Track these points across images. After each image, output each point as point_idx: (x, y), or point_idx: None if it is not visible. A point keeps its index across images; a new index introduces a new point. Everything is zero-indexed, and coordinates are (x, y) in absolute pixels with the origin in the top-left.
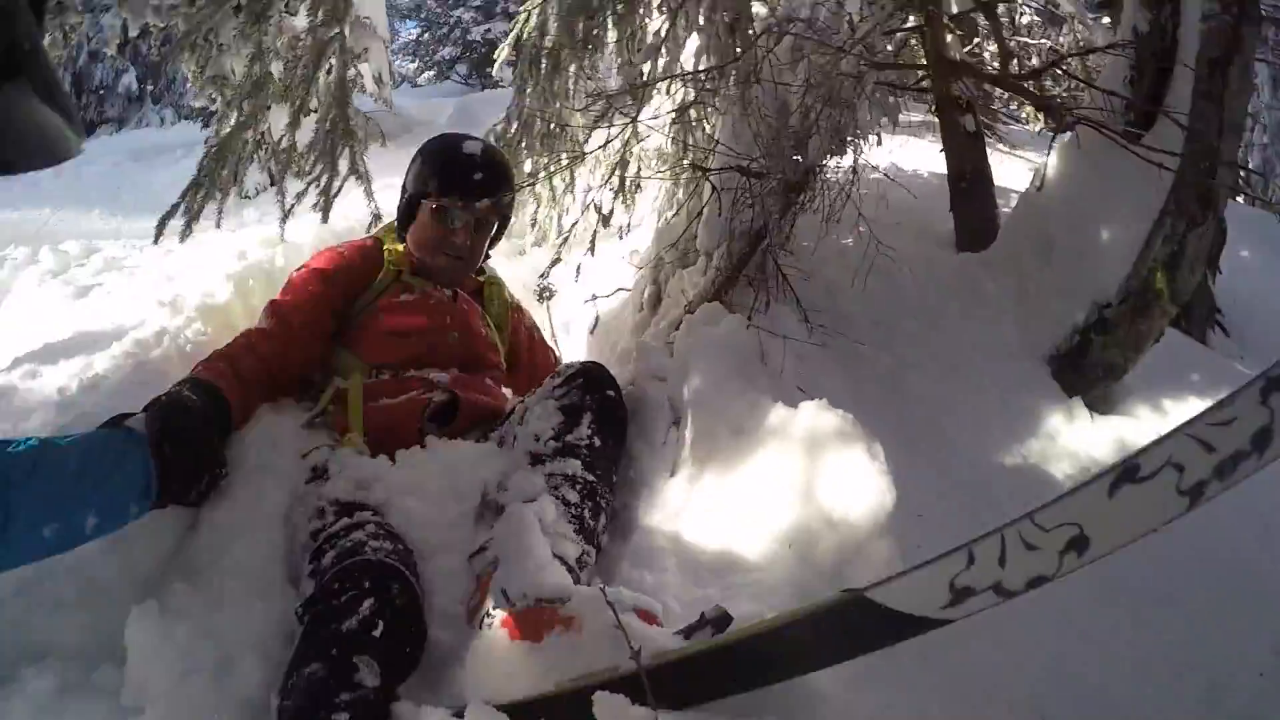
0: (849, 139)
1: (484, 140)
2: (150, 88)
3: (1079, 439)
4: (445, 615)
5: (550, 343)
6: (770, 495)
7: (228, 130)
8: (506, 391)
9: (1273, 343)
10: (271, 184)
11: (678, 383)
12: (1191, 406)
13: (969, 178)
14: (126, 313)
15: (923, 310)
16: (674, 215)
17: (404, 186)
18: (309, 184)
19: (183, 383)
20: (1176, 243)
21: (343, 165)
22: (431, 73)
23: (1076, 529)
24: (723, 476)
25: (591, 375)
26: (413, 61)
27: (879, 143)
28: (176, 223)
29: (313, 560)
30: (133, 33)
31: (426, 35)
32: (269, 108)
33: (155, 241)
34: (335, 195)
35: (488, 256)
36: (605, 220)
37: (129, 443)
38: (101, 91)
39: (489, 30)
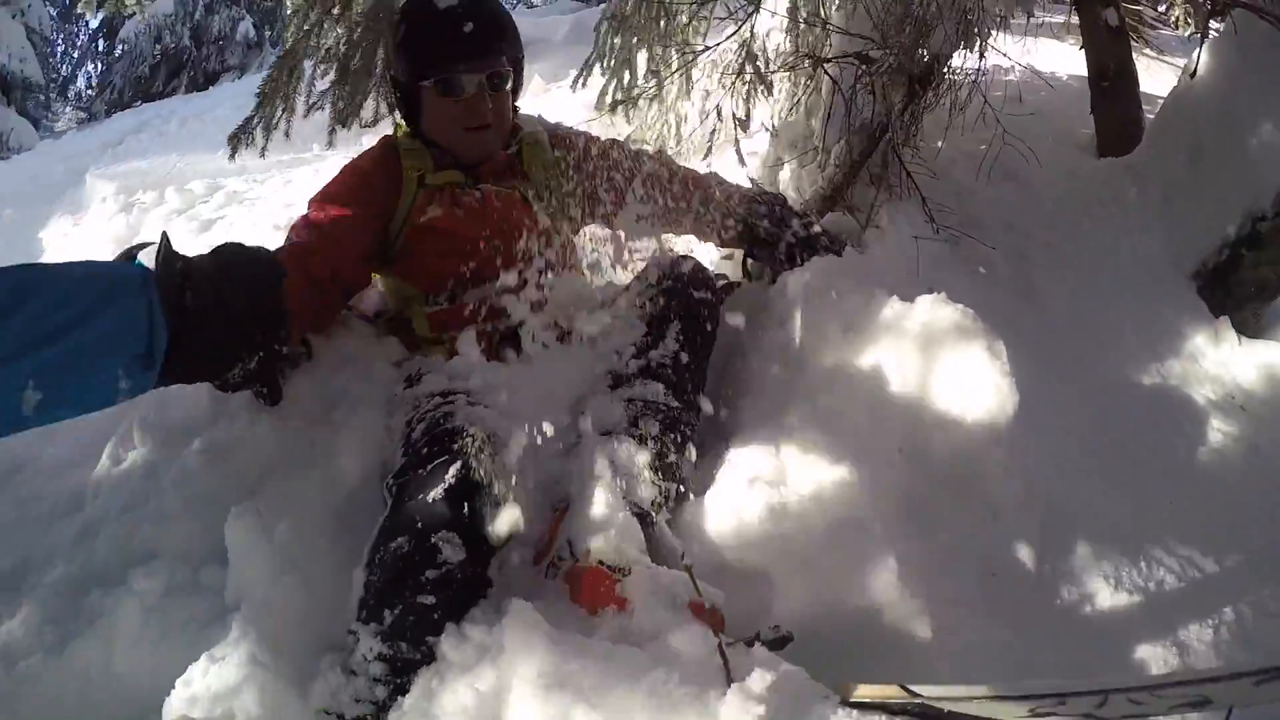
0: (977, 30)
1: None
2: (267, 32)
3: (1224, 363)
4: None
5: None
6: (881, 395)
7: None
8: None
9: None
10: (390, 112)
11: (786, 281)
12: None
13: (1111, 76)
14: (246, 240)
15: (1059, 217)
16: (791, 113)
17: (393, 80)
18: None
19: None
20: None
21: None
22: None
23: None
24: (830, 377)
25: (680, 276)
26: None
27: (1012, 37)
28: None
29: (404, 440)
30: None
31: None
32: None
33: (231, 158)
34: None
35: (516, 110)
36: (742, 124)
37: (127, 277)
38: (221, 41)
39: None
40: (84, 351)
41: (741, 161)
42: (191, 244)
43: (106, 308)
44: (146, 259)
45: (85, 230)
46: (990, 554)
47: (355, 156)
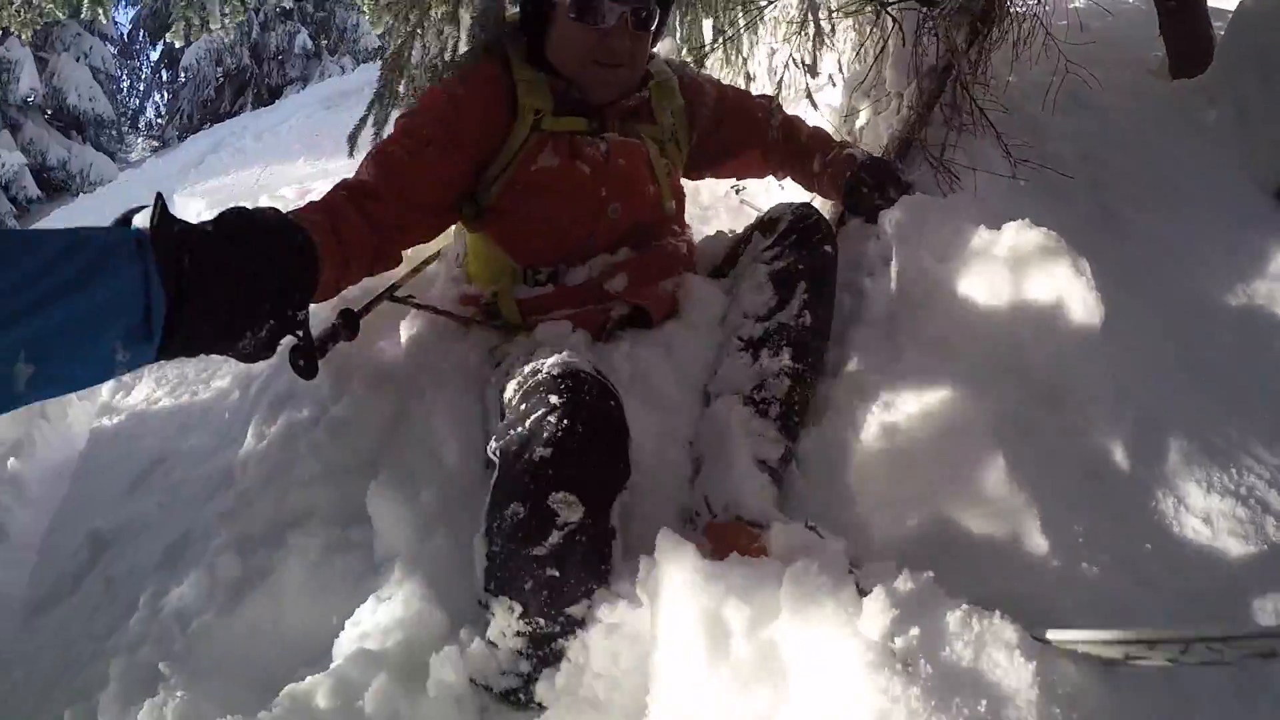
0: None
1: None
2: (325, 42)
3: None
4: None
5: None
6: (977, 316)
7: (399, 41)
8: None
9: None
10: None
11: (882, 220)
12: None
13: None
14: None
15: (1135, 143)
16: (857, 60)
17: None
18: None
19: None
20: None
21: None
22: None
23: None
24: (930, 304)
25: (804, 229)
26: None
27: None
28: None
29: (500, 402)
30: None
31: None
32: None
33: (350, 155)
34: None
35: (652, 56)
36: (811, 72)
37: (118, 245)
38: (280, 56)
39: None
40: (76, 322)
41: (814, 106)
42: None
43: (98, 274)
44: (141, 222)
45: None
46: (1088, 458)
47: (455, 73)
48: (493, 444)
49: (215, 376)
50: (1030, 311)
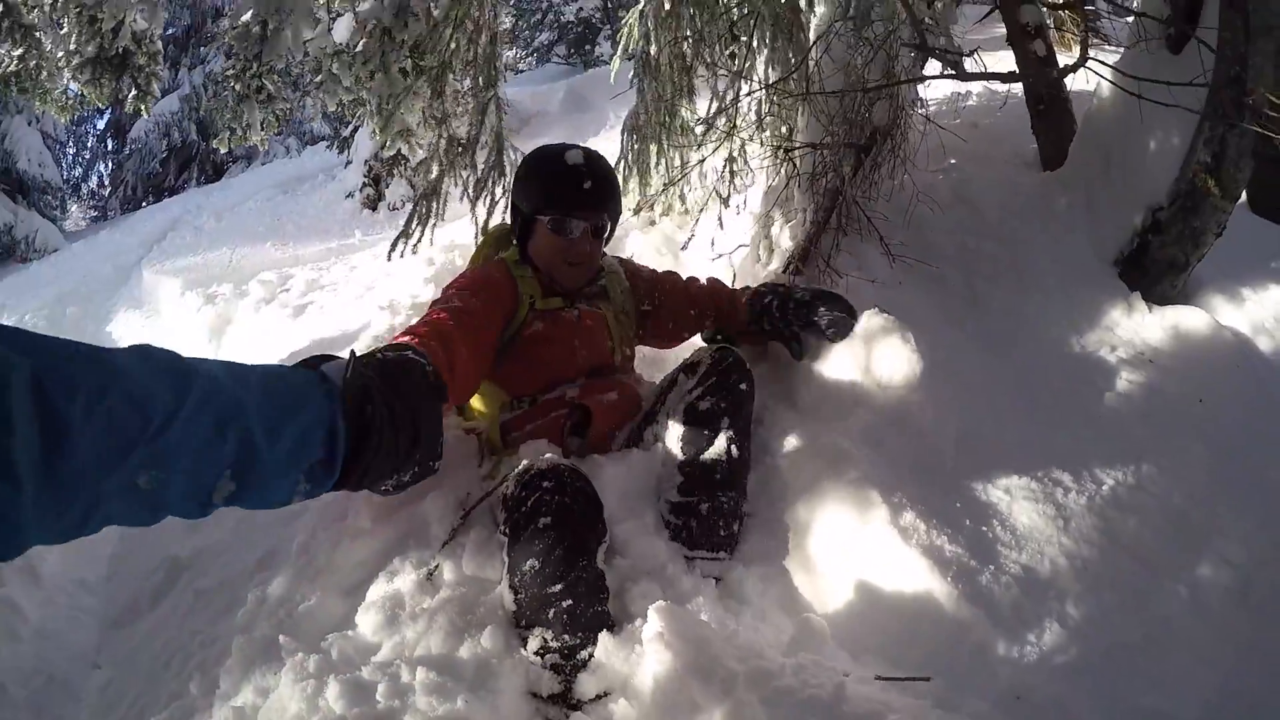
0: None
1: (582, 148)
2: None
3: (1135, 328)
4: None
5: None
6: (844, 374)
7: (434, 174)
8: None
9: None
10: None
11: None
12: (1267, 291)
13: (1045, 100)
14: (348, 319)
15: (1002, 230)
16: (776, 183)
17: (513, 206)
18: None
19: (389, 348)
20: (1217, 144)
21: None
22: (532, 59)
23: None
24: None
25: (722, 371)
26: (509, 49)
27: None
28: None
29: (503, 502)
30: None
31: (520, 22)
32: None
33: (389, 258)
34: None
35: (604, 254)
36: (725, 201)
37: (312, 387)
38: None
39: (580, 9)
40: (277, 458)
41: (721, 226)
42: (290, 328)
43: (296, 416)
44: (331, 371)
45: (166, 323)
46: (918, 459)
47: (477, 267)
48: (501, 524)
49: None
50: (878, 367)
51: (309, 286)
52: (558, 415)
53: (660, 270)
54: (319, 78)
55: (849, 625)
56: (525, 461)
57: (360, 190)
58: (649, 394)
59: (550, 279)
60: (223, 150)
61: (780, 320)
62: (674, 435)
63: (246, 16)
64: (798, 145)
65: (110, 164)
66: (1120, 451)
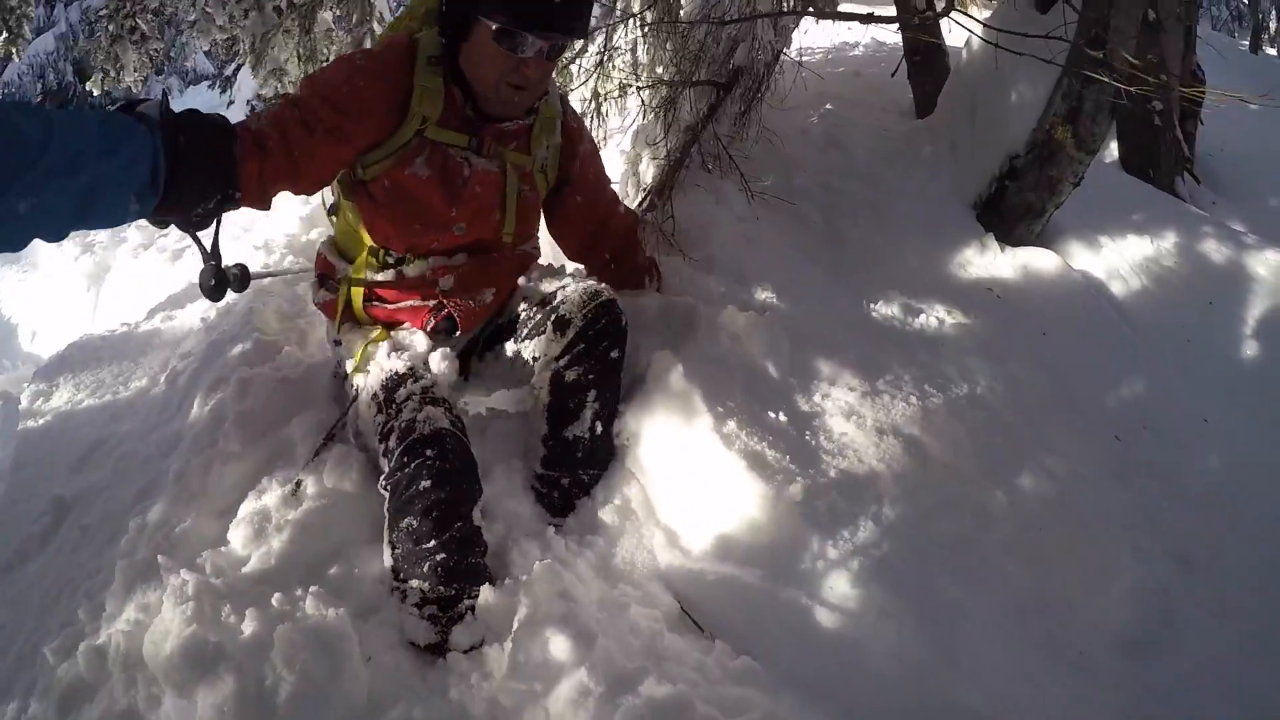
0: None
1: None
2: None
3: (987, 265)
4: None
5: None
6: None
7: None
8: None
9: (1253, 186)
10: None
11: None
12: (1125, 240)
13: (921, 51)
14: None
15: (869, 173)
16: (642, 118)
17: None
18: None
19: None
20: (1074, 99)
21: None
22: None
23: None
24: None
25: (593, 336)
26: None
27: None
28: None
29: (382, 442)
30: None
31: None
32: None
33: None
34: None
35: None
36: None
37: (137, 124)
38: (102, 76)
39: None
40: (110, 175)
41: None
42: (167, 273)
43: (123, 144)
44: (148, 110)
45: (45, 275)
46: (746, 377)
47: (370, 52)
48: (384, 481)
49: (133, 378)
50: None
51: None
52: (422, 308)
53: (594, 149)
54: (193, 17)
55: (682, 528)
56: (408, 418)
57: None
58: (526, 289)
59: (470, 101)
60: (96, 93)
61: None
62: (540, 403)
63: None
64: (648, 84)
65: None
66: (956, 374)
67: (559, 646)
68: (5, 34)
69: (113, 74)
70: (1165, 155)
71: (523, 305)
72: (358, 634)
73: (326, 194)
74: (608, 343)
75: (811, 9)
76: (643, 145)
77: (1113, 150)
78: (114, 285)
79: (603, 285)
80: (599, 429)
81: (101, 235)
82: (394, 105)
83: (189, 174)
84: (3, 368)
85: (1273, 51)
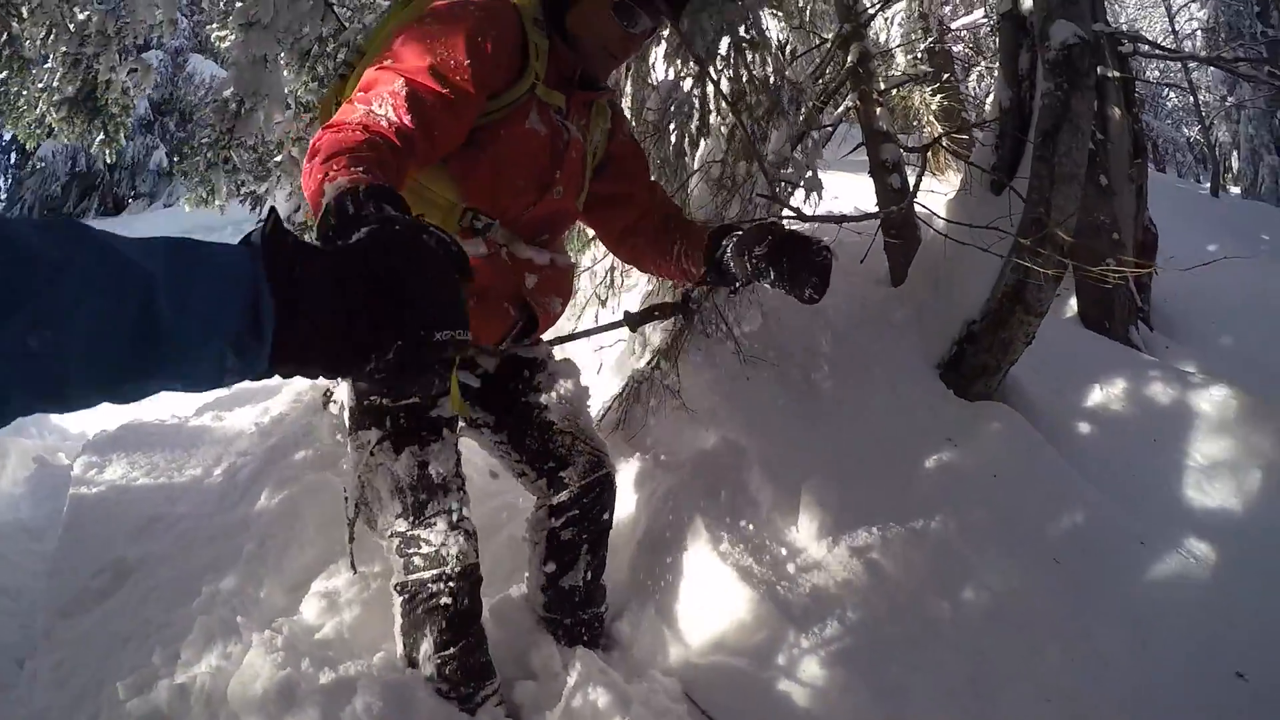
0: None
1: None
2: (178, 160)
3: (945, 417)
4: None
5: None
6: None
7: None
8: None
9: (1205, 327)
10: None
11: None
12: (1077, 389)
13: (896, 226)
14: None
15: (846, 336)
16: (653, 288)
17: None
18: None
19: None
20: (1022, 271)
21: None
22: None
23: None
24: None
25: (586, 504)
26: None
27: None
28: None
29: (396, 538)
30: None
31: None
32: None
33: None
34: None
35: None
36: (603, 303)
37: (228, 247)
38: (133, 168)
39: None
40: (188, 324)
41: (596, 321)
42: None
43: (206, 275)
44: (255, 236)
45: None
46: (734, 506)
47: (482, 13)
48: (397, 584)
49: (186, 466)
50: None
51: None
52: (506, 311)
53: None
54: (279, 158)
55: (685, 627)
56: (438, 545)
57: None
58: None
59: (570, 62)
60: (187, 209)
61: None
62: (536, 553)
63: (227, 93)
64: None
65: (9, 178)
66: (913, 509)
67: (605, 700)
68: (103, 135)
69: (205, 196)
70: (1119, 307)
71: (541, 373)
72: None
73: None
74: (600, 508)
75: (797, 213)
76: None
77: (1072, 305)
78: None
79: (606, 454)
80: (591, 577)
81: None
82: (515, 60)
83: (311, 322)
84: (29, 434)
85: (1236, 190)
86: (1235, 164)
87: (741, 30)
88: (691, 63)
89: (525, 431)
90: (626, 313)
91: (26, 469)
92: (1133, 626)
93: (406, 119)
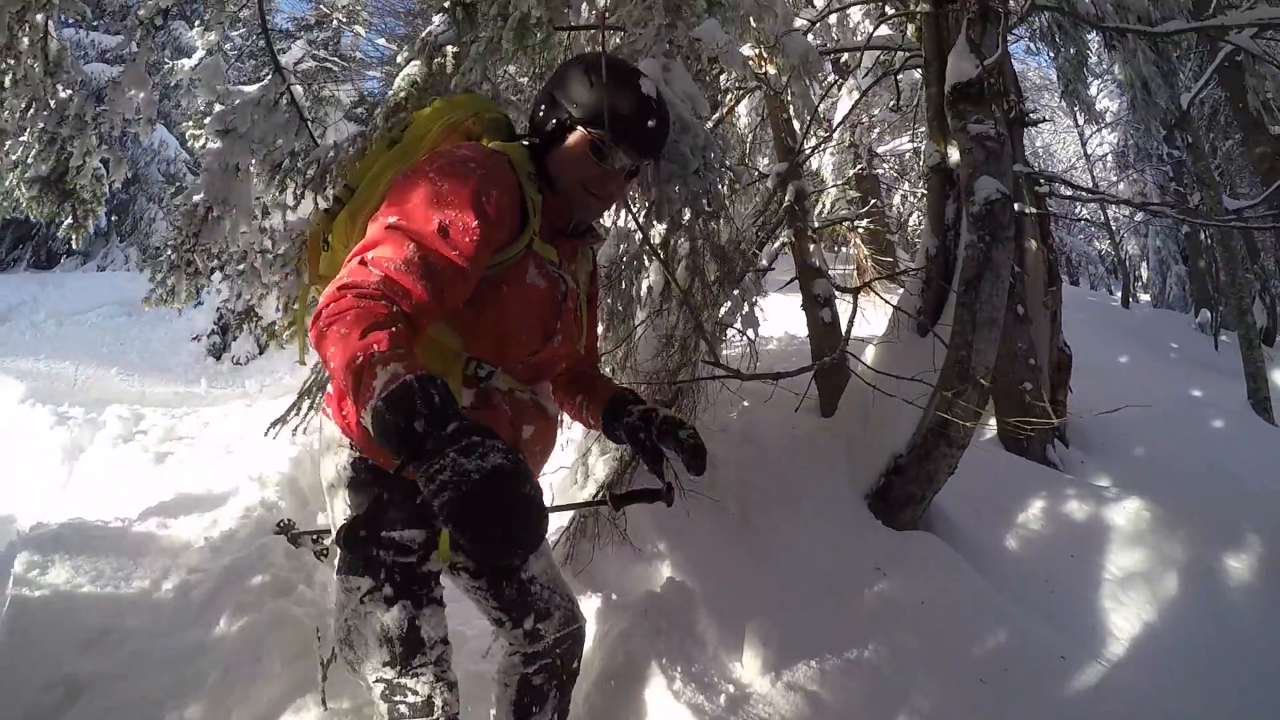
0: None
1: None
2: (120, 225)
3: (874, 546)
4: None
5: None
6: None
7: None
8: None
9: (1119, 440)
10: (260, 353)
11: None
12: (996, 511)
13: (826, 359)
14: (213, 479)
15: (776, 467)
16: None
17: (551, 98)
18: None
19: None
20: (945, 408)
21: None
22: None
23: None
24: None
25: (562, 656)
26: None
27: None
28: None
29: (381, 684)
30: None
31: None
32: None
33: (266, 434)
34: None
35: None
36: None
37: None
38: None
39: None
40: None
41: None
42: (152, 474)
43: None
44: None
45: (3, 424)
46: (682, 641)
47: (484, 171)
48: (381, 685)
49: (134, 576)
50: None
51: (166, 434)
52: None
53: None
54: (241, 266)
55: None
56: (425, 695)
57: (208, 336)
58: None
59: (564, 214)
60: (146, 308)
61: (643, 432)
62: (507, 695)
63: (197, 198)
64: None
65: None
66: (848, 639)
67: None
68: (71, 220)
69: (164, 295)
70: (1037, 432)
71: None
72: None
73: None
74: (571, 657)
75: (735, 373)
76: (593, 440)
77: (991, 426)
78: (89, 466)
79: (578, 607)
80: (556, 718)
81: (75, 410)
82: (515, 217)
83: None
84: None
85: (1146, 298)
86: (1145, 274)
87: (704, 203)
88: (642, 217)
89: (504, 582)
90: (611, 494)
91: None
92: None
93: (420, 287)
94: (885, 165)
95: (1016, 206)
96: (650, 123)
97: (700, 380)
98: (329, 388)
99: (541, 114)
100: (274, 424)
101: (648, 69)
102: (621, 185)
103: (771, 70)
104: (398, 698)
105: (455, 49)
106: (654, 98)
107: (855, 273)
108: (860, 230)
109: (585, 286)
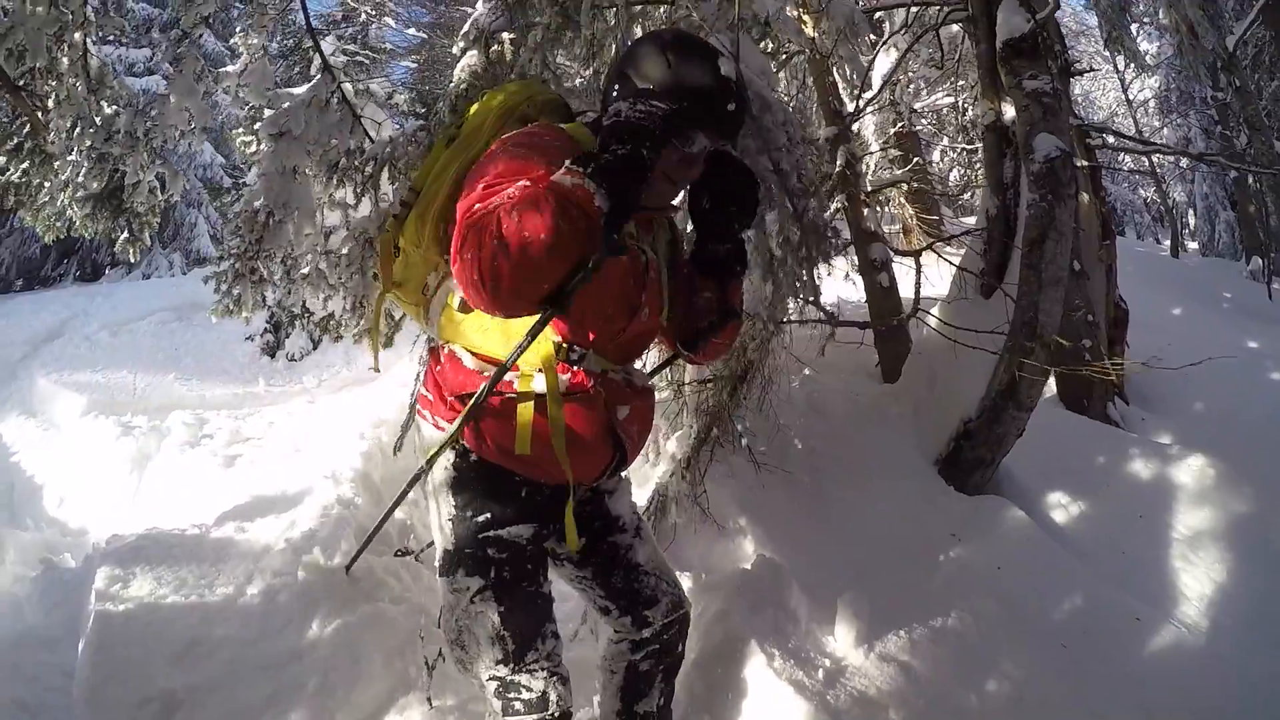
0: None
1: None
2: (161, 233)
3: (946, 511)
4: None
5: None
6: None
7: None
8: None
9: (1178, 396)
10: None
11: None
12: (1062, 472)
13: (888, 325)
14: (286, 479)
15: (845, 434)
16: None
17: (624, 76)
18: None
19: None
20: (1015, 370)
21: None
22: None
23: None
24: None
25: (670, 641)
26: None
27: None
28: None
29: (495, 681)
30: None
31: None
32: None
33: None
34: None
35: None
36: None
37: None
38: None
39: None
40: None
41: None
42: (223, 478)
43: None
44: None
45: (68, 440)
46: (777, 621)
47: (557, 141)
48: (495, 683)
49: (216, 583)
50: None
51: (232, 437)
52: (601, 456)
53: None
54: (305, 270)
55: None
56: (540, 690)
57: (261, 335)
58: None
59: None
60: (215, 319)
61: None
62: (614, 682)
63: (258, 203)
64: (688, 381)
65: None
66: (930, 606)
67: None
68: (127, 234)
69: (230, 306)
70: (1096, 385)
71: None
72: None
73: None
74: (677, 642)
75: (831, 318)
76: (662, 418)
77: (1051, 385)
78: (158, 474)
79: (684, 592)
80: (663, 703)
81: (139, 419)
82: None
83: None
84: (25, 526)
85: (1194, 246)
86: (1192, 221)
87: (795, 179)
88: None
89: (611, 570)
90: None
91: (30, 568)
92: (1138, 700)
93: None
94: (924, 121)
95: None
96: (730, 105)
97: (794, 323)
98: (426, 392)
99: (616, 93)
100: (396, 445)
101: (718, 45)
102: (699, 163)
103: (812, 34)
104: (512, 694)
105: (512, 35)
106: (733, 79)
107: (901, 233)
108: (904, 189)
109: (665, 256)
